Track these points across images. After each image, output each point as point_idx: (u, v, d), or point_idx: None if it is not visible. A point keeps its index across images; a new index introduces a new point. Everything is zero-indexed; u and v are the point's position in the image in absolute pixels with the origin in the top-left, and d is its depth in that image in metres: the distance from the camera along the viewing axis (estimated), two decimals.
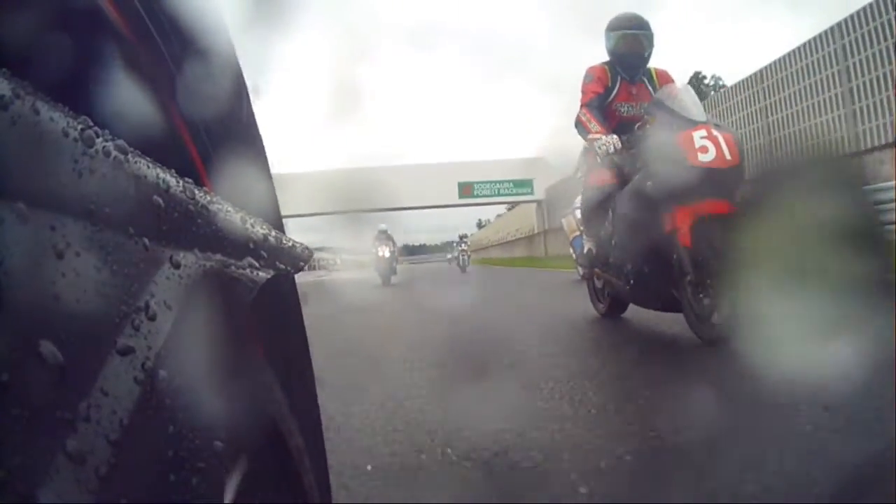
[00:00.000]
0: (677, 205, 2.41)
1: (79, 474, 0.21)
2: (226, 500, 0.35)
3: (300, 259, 0.56)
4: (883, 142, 8.03)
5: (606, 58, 3.15)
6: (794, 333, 1.54)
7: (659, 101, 2.72)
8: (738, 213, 2.33)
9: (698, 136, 2.40)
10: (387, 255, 11.34)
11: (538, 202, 21.33)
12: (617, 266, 2.89)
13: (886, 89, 8.06)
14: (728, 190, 2.38)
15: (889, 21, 7.89)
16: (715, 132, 2.43)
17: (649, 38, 3.04)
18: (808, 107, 9.53)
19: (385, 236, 11.84)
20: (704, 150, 2.37)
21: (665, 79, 3.07)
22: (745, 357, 1.88)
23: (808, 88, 9.51)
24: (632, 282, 2.76)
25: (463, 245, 16.27)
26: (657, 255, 2.53)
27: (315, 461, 0.56)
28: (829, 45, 9.03)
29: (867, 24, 8.29)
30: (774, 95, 10.32)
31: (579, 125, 2.99)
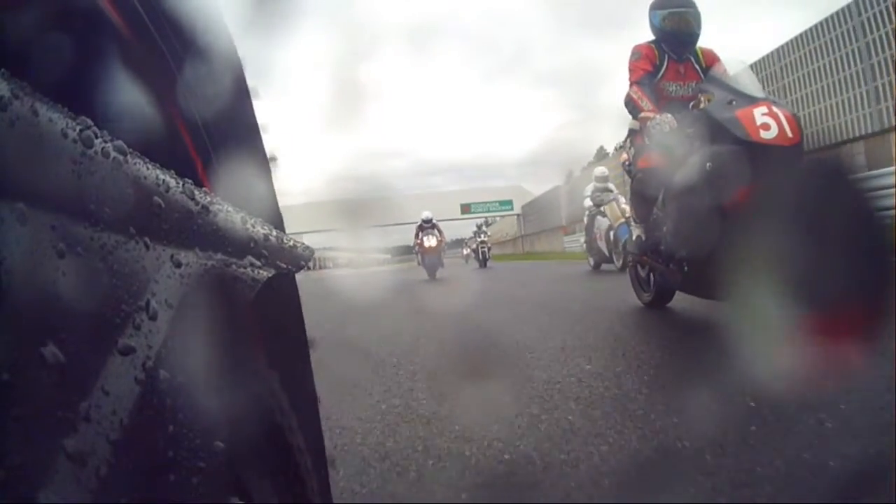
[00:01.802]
0: (739, 185, 2.22)
1: (79, 474, 0.21)
2: (226, 500, 0.35)
3: (301, 258, 0.56)
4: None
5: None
6: (789, 333, 1.54)
7: (715, 78, 2.58)
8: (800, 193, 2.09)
9: (759, 112, 2.28)
10: (434, 244, 10.18)
11: (517, 216, 30.66)
12: (669, 253, 2.71)
13: None
14: (791, 169, 2.24)
15: None
16: (776, 109, 2.30)
17: (696, 16, 2.93)
18: (827, 85, 9.25)
19: (430, 225, 10.60)
20: (766, 126, 2.24)
21: (712, 58, 2.96)
22: (741, 366, 1.86)
23: (827, 66, 9.25)
24: (686, 269, 2.60)
25: (482, 236, 13.99)
26: (717, 240, 2.30)
27: (315, 461, 0.56)
28: (847, 22, 8.78)
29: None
30: (794, 73, 9.98)
31: (630, 103, 2.88)
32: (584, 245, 8.16)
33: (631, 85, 2.91)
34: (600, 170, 8.02)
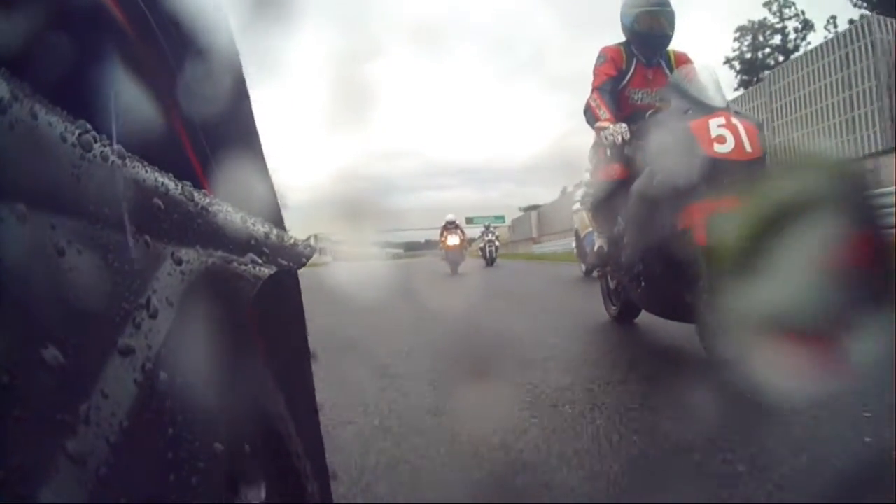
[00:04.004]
0: (691, 201, 2.13)
1: (79, 475, 0.21)
2: (226, 501, 0.35)
3: (302, 256, 0.56)
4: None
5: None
6: (794, 333, 1.53)
7: (674, 84, 2.43)
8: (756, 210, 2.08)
9: (715, 123, 2.15)
10: (457, 242, 11.48)
11: (508, 226, 38.59)
12: (627, 267, 2.64)
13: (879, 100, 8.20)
14: (748, 185, 2.05)
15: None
16: (734, 120, 2.16)
17: (670, 17, 2.77)
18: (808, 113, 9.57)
19: (454, 226, 11.95)
20: (721, 139, 2.12)
21: (684, 61, 2.80)
22: (742, 367, 1.85)
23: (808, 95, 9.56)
24: (643, 284, 2.52)
25: (489, 235, 14.09)
26: (671, 255, 2.26)
27: (315, 461, 0.56)
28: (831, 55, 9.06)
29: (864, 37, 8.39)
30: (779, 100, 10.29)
31: (588, 111, 2.74)
32: (576, 251, 8.15)
33: (592, 91, 2.77)
34: (588, 176, 8.04)
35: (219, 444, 0.31)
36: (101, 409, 0.23)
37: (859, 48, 8.63)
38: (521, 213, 34.14)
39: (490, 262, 13.45)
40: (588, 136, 2.93)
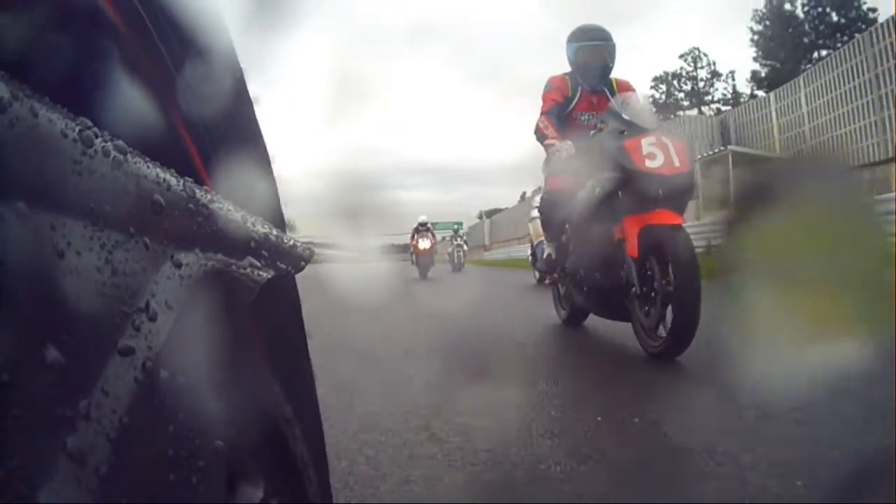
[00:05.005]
0: (626, 213, 2.44)
1: (79, 474, 0.21)
2: (226, 501, 0.35)
3: (301, 259, 0.56)
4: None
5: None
6: (782, 336, 1.54)
7: (612, 109, 2.76)
8: (683, 226, 2.33)
9: (647, 142, 2.42)
10: (427, 246, 11.15)
11: (466, 233, 42.69)
12: (572, 273, 2.94)
13: None
14: (676, 200, 2.40)
15: None
16: (664, 139, 2.45)
17: (611, 49, 3.09)
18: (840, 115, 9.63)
19: (425, 228, 11.60)
20: (652, 156, 2.38)
21: (626, 88, 3.12)
22: (741, 368, 1.87)
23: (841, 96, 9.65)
24: (585, 289, 2.81)
25: (458, 240, 13.96)
26: (608, 263, 2.56)
27: (315, 461, 0.56)
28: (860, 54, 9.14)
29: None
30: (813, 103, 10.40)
31: (538, 132, 3.07)
32: (530, 258, 8.24)
33: (541, 115, 3.10)
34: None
35: (219, 443, 0.31)
36: (102, 408, 0.23)
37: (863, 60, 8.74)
38: (477, 221, 36.24)
39: (458, 267, 13.22)
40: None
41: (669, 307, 2.23)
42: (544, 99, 3.15)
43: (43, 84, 0.25)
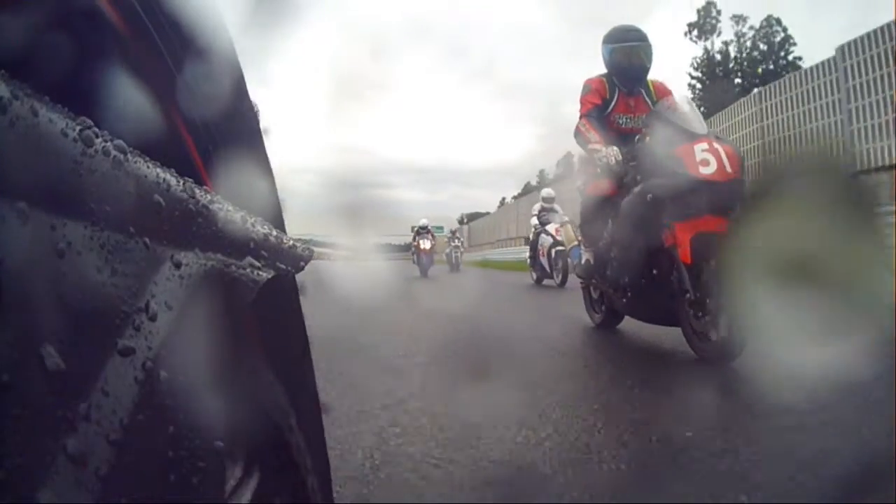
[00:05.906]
0: (677, 219, 2.38)
1: (79, 474, 0.21)
2: (226, 501, 0.35)
3: (301, 259, 0.56)
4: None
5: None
6: (796, 345, 1.54)
7: (658, 113, 2.70)
8: (737, 231, 2.30)
9: (699, 148, 2.38)
10: (429, 246, 11.99)
11: (445, 236, 41.16)
12: (614, 278, 2.88)
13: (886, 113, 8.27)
14: (729, 206, 2.35)
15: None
16: (716, 145, 2.40)
17: (647, 50, 3.02)
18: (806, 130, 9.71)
19: (426, 230, 12.45)
20: (706, 162, 2.34)
21: (663, 91, 3.08)
22: (744, 368, 1.88)
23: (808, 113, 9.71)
24: (629, 294, 2.76)
25: (455, 241, 14.32)
26: (656, 269, 2.53)
27: (316, 460, 0.56)
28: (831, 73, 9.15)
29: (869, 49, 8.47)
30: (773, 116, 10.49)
31: (578, 135, 2.99)
32: (529, 261, 8.46)
33: (581, 118, 3.02)
34: (547, 191, 8.65)
35: (219, 443, 0.31)
36: (102, 409, 0.23)
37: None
38: (458, 226, 39.42)
39: (455, 267, 13.79)
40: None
41: (722, 313, 2.18)
42: (582, 102, 3.07)
43: (43, 84, 0.25)
